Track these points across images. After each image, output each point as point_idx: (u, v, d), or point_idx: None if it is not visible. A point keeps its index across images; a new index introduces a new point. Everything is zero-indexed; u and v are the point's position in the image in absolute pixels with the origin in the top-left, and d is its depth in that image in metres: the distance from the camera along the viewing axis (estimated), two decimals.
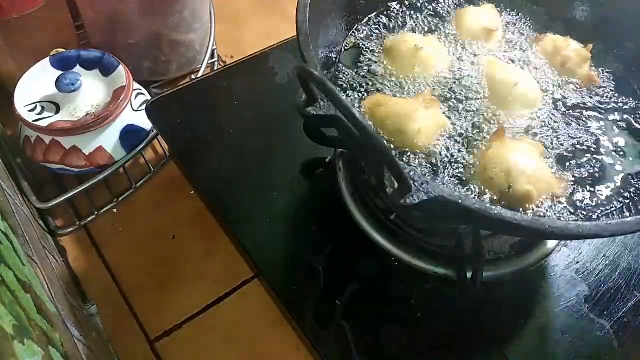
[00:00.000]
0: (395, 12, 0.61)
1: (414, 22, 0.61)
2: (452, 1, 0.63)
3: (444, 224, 0.57)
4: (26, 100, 0.63)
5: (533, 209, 0.46)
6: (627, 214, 0.48)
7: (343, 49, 0.57)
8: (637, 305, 0.57)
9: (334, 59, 0.56)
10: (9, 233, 0.44)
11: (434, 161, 0.49)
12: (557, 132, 0.52)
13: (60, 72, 0.64)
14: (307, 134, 0.51)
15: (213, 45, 0.84)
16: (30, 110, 0.63)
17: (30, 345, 0.34)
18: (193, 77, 0.82)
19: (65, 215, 0.68)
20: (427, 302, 0.56)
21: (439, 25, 0.61)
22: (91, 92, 0.66)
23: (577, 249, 0.61)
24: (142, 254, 0.65)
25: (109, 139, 0.66)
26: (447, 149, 0.49)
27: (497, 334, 0.55)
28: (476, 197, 0.47)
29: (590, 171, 0.50)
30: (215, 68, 0.85)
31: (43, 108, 0.64)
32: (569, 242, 0.61)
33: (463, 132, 0.51)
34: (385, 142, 0.44)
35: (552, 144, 0.51)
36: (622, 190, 0.49)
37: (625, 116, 0.54)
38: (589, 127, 0.53)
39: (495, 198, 0.47)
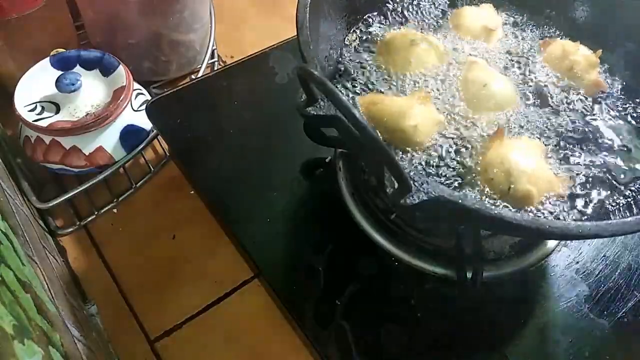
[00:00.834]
0: (395, 11, 0.61)
1: (413, 20, 0.61)
2: (452, 1, 0.63)
3: (444, 223, 0.57)
4: (26, 100, 0.64)
5: (533, 209, 0.46)
6: (628, 213, 0.48)
7: (343, 48, 0.57)
8: (637, 305, 0.57)
9: (333, 59, 0.56)
10: (9, 233, 0.44)
11: (432, 161, 0.49)
12: (557, 132, 0.52)
13: (60, 72, 0.64)
14: (307, 134, 0.51)
15: (213, 45, 0.84)
16: (30, 110, 0.63)
17: (30, 345, 0.34)
18: (193, 77, 0.82)
19: (65, 215, 0.68)
20: (427, 302, 0.56)
21: (438, 23, 0.61)
22: (91, 92, 0.66)
23: (577, 249, 0.60)
24: (142, 254, 0.65)
25: (109, 139, 0.66)
26: (445, 148, 0.49)
27: (497, 334, 0.55)
28: (476, 197, 0.47)
29: (591, 170, 0.50)
30: (215, 68, 0.85)
31: (43, 108, 0.64)
32: (569, 242, 0.61)
33: (457, 131, 0.51)
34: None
35: (552, 143, 0.51)
36: (622, 190, 0.49)
37: (627, 116, 0.54)
38: (589, 126, 0.53)
39: (495, 198, 0.47)
